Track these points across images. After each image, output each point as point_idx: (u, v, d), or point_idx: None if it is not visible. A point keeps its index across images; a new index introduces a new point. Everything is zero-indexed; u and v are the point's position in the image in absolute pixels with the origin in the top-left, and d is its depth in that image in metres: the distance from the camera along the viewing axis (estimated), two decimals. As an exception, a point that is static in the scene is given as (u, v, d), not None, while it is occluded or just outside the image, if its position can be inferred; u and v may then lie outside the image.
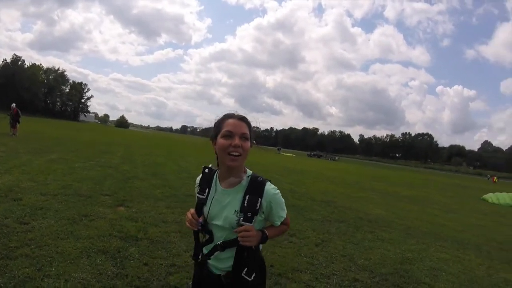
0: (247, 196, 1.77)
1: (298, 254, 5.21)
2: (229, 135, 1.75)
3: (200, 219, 1.86)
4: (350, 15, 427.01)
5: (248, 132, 1.80)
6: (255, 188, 1.80)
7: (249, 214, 1.75)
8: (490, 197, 19.91)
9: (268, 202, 1.80)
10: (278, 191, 1.85)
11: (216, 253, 1.83)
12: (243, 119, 1.83)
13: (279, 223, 1.90)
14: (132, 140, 38.35)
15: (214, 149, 1.86)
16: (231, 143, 1.73)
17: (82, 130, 43.95)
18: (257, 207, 1.76)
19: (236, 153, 1.73)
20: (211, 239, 1.86)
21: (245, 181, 1.83)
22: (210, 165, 1.96)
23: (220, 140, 1.77)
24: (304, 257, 5.12)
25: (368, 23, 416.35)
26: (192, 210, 1.87)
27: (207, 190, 1.88)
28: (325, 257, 5.29)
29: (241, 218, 1.75)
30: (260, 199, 1.77)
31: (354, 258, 5.44)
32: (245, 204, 1.76)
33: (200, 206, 1.88)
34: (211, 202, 1.85)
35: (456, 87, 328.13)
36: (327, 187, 15.53)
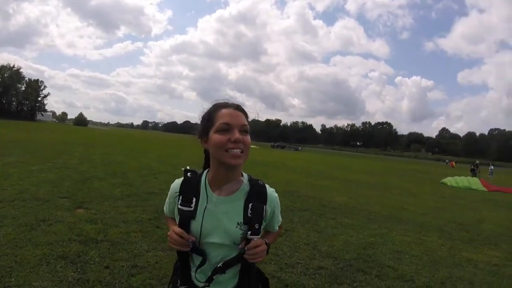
0: (251, 204, 1.46)
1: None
2: (226, 128, 1.40)
3: (190, 238, 1.44)
4: (312, 8, 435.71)
5: (247, 124, 1.46)
6: (258, 194, 1.50)
7: (257, 226, 1.45)
8: (449, 180, 20.78)
9: (272, 208, 1.55)
10: (276, 193, 1.60)
11: (215, 277, 1.47)
12: (239, 108, 1.49)
13: (277, 228, 1.68)
14: (91, 138, 37.39)
15: (204, 148, 1.55)
16: (230, 138, 1.38)
17: (39, 131, 42.37)
18: (263, 216, 1.48)
19: (238, 150, 1.39)
20: (203, 261, 1.48)
21: (246, 185, 1.51)
22: (187, 167, 1.59)
23: (215, 136, 1.41)
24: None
25: (330, 16, 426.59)
26: (177, 229, 1.44)
27: (194, 200, 1.47)
28: (289, 246, 5.35)
29: (249, 232, 1.44)
30: (264, 206, 1.49)
31: (318, 245, 5.53)
32: (250, 214, 1.45)
33: (186, 221, 1.46)
34: (203, 214, 1.46)
35: (414, 77, 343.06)
36: (290, 177, 15.71)
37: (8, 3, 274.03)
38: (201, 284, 1.50)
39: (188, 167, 1.57)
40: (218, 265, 1.46)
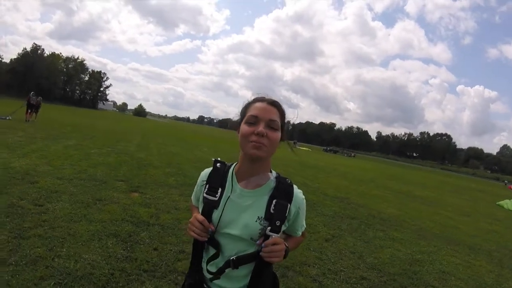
0: (275, 201, 1.42)
1: (307, 248, 5.20)
2: (253, 121, 1.40)
3: (211, 226, 1.43)
4: (370, 8, 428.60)
5: (278, 120, 1.43)
6: (284, 192, 1.46)
7: (278, 223, 1.41)
8: (506, 203, 19.54)
9: (297, 209, 1.50)
10: (304, 196, 1.55)
11: (227, 271, 1.44)
12: (274, 103, 1.46)
13: (300, 233, 1.61)
14: (149, 129, 38.88)
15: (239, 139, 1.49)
16: (254, 130, 1.37)
17: (100, 118, 44.56)
18: (286, 214, 1.43)
19: (259, 144, 1.37)
20: (217, 253, 1.46)
21: (272, 182, 1.48)
22: (218, 158, 1.60)
23: (243, 126, 1.42)
24: (313, 252, 5.12)
25: (389, 17, 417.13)
26: (200, 216, 1.43)
27: (219, 190, 1.47)
28: (334, 252, 5.29)
29: (269, 228, 1.39)
30: (289, 204, 1.44)
31: (363, 256, 5.42)
32: (272, 210, 1.41)
33: (209, 210, 1.46)
34: (225, 204, 1.45)
35: (477, 87, 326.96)
36: (341, 183, 15.43)
37: (72, 0, 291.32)
38: (210, 276, 1.47)
39: (219, 158, 1.57)
40: (232, 258, 1.42)
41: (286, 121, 1.52)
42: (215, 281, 1.47)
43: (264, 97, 1.49)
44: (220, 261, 1.45)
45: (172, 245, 4.37)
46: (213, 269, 1.46)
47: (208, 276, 1.48)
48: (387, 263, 5.28)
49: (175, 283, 3.45)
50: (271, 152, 1.42)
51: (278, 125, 1.43)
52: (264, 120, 1.39)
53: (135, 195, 6.51)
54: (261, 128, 1.37)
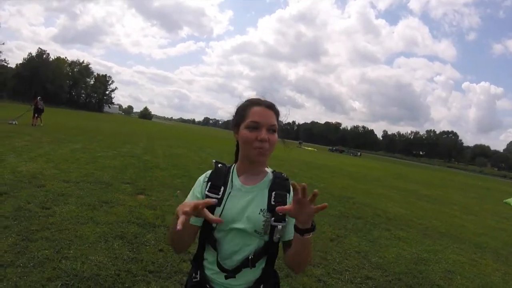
0: (274, 193, 1.48)
1: (312, 248, 5.18)
2: (255, 126, 1.45)
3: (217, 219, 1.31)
4: (373, 6, 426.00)
5: (276, 123, 1.50)
6: (281, 184, 1.51)
7: (280, 213, 1.39)
8: (513, 200, 19.36)
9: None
10: None
11: (244, 270, 1.46)
12: (271, 107, 1.52)
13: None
14: (155, 131, 39.01)
15: (236, 139, 1.58)
16: (257, 136, 1.43)
17: (106, 121, 44.74)
18: (287, 204, 1.45)
19: (263, 149, 1.43)
20: (217, 252, 1.49)
21: (269, 176, 1.55)
22: (214, 161, 1.64)
23: (244, 132, 1.46)
24: (318, 252, 5.11)
25: (392, 14, 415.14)
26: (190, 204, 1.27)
27: (222, 188, 1.50)
28: (339, 252, 5.28)
29: (272, 219, 1.43)
30: (288, 194, 1.49)
31: (368, 255, 5.41)
32: (273, 202, 1.46)
33: (211, 208, 1.42)
34: (227, 200, 1.48)
35: (483, 83, 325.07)
36: (347, 182, 15.35)
37: (75, 4, 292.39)
38: (221, 279, 1.49)
39: (215, 161, 1.63)
40: (250, 256, 1.45)
41: (279, 118, 1.57)
42: (218, 280, 1.49)
43: (260, 100, 1.54)
44: (225, 257, 1.47)
45: (177, 246, 4.40)
46: (217, 268, 1.48)
47: (217, 276, 1.50)
48: (392, 263, 5.27)
49: (180, 284, 3.49)
50: (271, 152, 1.48)
51: (277, 128, 1.50)
52: (266, 126, 1.45)
53: (141, 197, 6.57)
54: (264, 134, 1.43)
